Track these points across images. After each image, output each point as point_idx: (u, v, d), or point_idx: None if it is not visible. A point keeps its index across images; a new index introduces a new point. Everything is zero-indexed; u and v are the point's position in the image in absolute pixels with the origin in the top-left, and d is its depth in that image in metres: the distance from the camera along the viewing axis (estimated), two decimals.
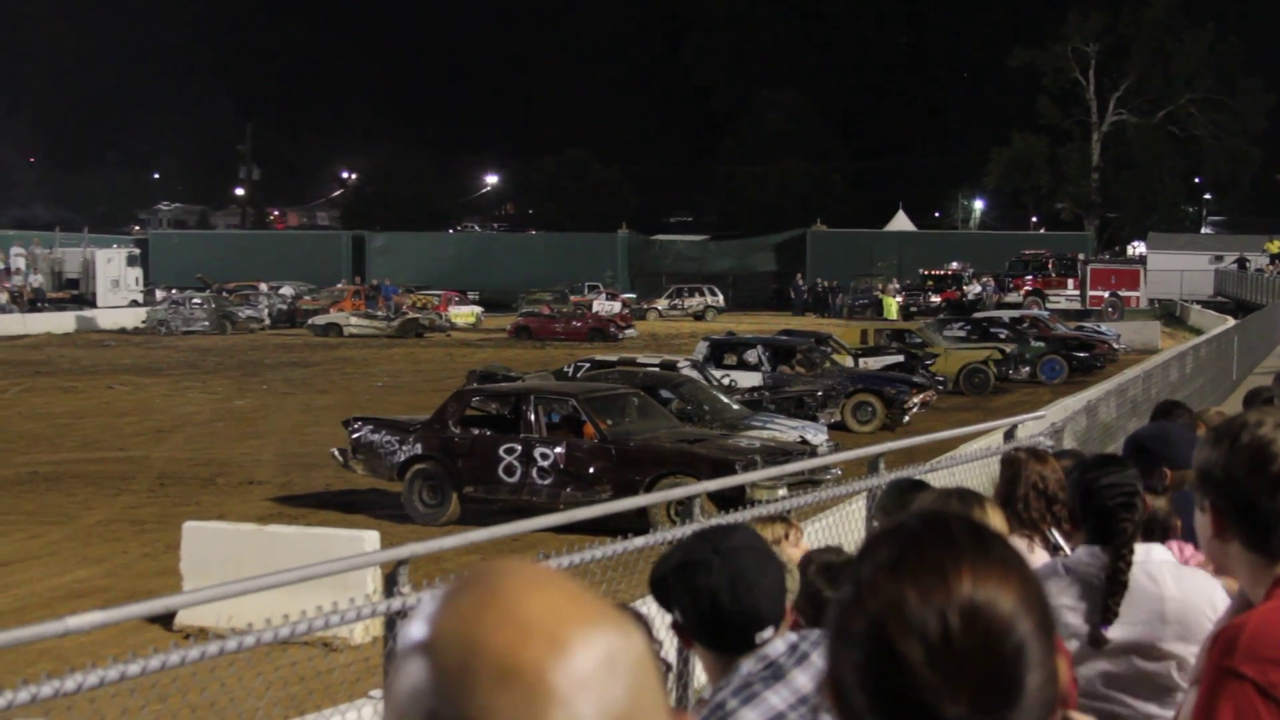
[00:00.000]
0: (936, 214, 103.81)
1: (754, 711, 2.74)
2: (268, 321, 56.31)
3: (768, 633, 2.80)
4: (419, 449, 17.40)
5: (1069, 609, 3.62)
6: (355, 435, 17.91)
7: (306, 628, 5.06)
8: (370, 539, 11.82)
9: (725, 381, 24.76)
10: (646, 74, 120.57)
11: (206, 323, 53.66)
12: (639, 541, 6.63)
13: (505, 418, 17.99)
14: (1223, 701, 2.27)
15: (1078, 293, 61.18)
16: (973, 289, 61.44)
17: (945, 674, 1.31)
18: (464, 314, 57.90)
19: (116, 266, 64.25)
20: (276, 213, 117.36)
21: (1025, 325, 37.36)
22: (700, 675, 3.09)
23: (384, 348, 46.44)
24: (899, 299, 61.80)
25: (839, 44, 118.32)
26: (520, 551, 13.58)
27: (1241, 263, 65.71)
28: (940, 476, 8.93)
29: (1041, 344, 35.52)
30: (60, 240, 67.31)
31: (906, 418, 25.69)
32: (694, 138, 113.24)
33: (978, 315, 41.54)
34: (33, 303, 59.50)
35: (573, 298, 61.51)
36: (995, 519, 3.89)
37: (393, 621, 5.46)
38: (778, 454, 16.57)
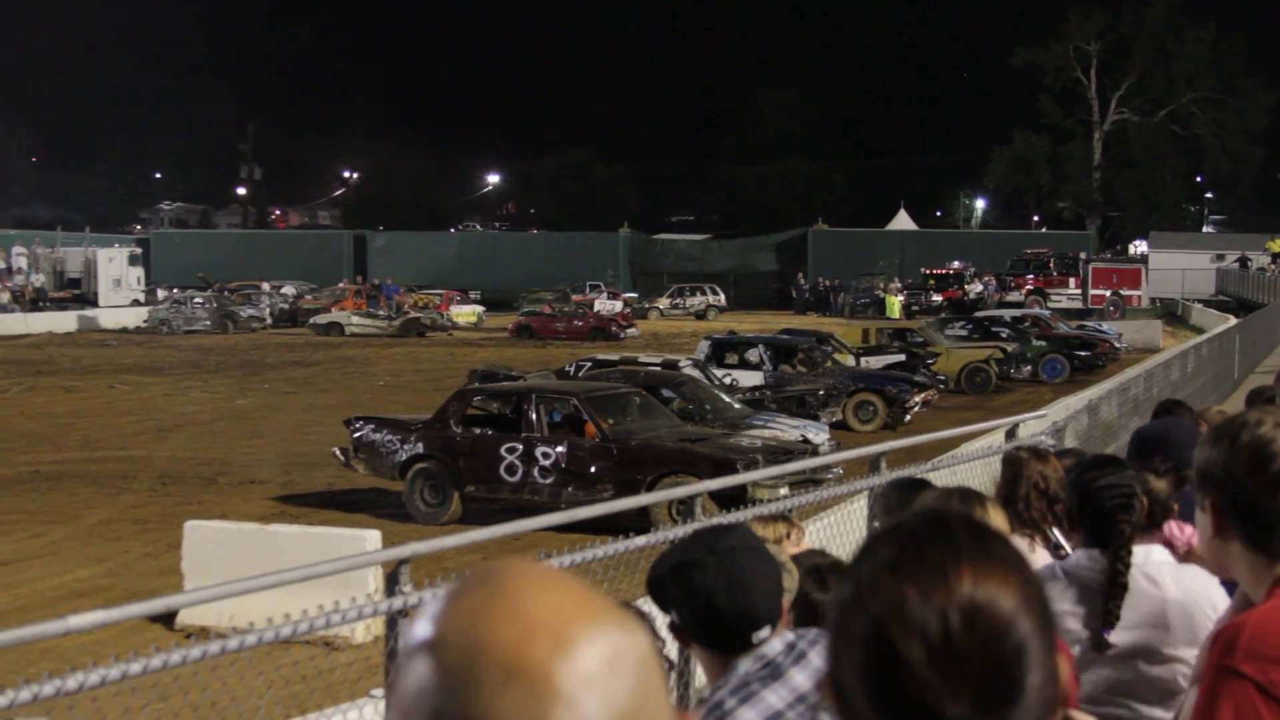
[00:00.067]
0: (938, 213, 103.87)
1: (752, 710, 2.74)
2: (269, 321, 56.31)
3: (764, 632, 2.80)
4: (420, 448, 17.40)
5: (1068, 614, 3.60)
6: (357, 434, 17.91)
7: (308, 627, 5.06)
8: (372, 538, 11.82)
9: (727, 381, 24.76)
10: (648, 73, 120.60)
11: (208, 322, 53.66)
12: (640, 541, 6.64)
13: (507, 417, 18.00)
14: (1223, 700, 2.27)
15: (1079, 292, 61.13)
16: (974, 288, 61.41)
17: (946, 673, 1.31)
18: (465, 313, 57.90)
19: (118, 266, 64.26)
20: (278, 212, 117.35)
21: (1027, 324, 37.35)
22: (701, 674, 3.09)
23: (385, 347, 46.45)
24: (901, 298, 61.81)
25: (840, 43, 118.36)
26: (522, 551, 13.58)
27: (1243, 262, 65.69)
28: (942, 476, 8.92)
29: (1043, 343, 35.52)
30: (62, 240, 67.32)
31: (908, 417, 25.69)
32: (695, 137, 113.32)
33: (979, 314, 41.53)
34: (34, 302, 59.52)
35: (574, 297, 61.46)
36: (996, 518, 3.88)
37: (394, 621, 5.46)
38: (779, 453, 16.57)
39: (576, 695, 1.06)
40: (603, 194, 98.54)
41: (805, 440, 18.77)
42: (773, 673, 2.78)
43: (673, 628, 2.88)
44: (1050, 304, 57.26)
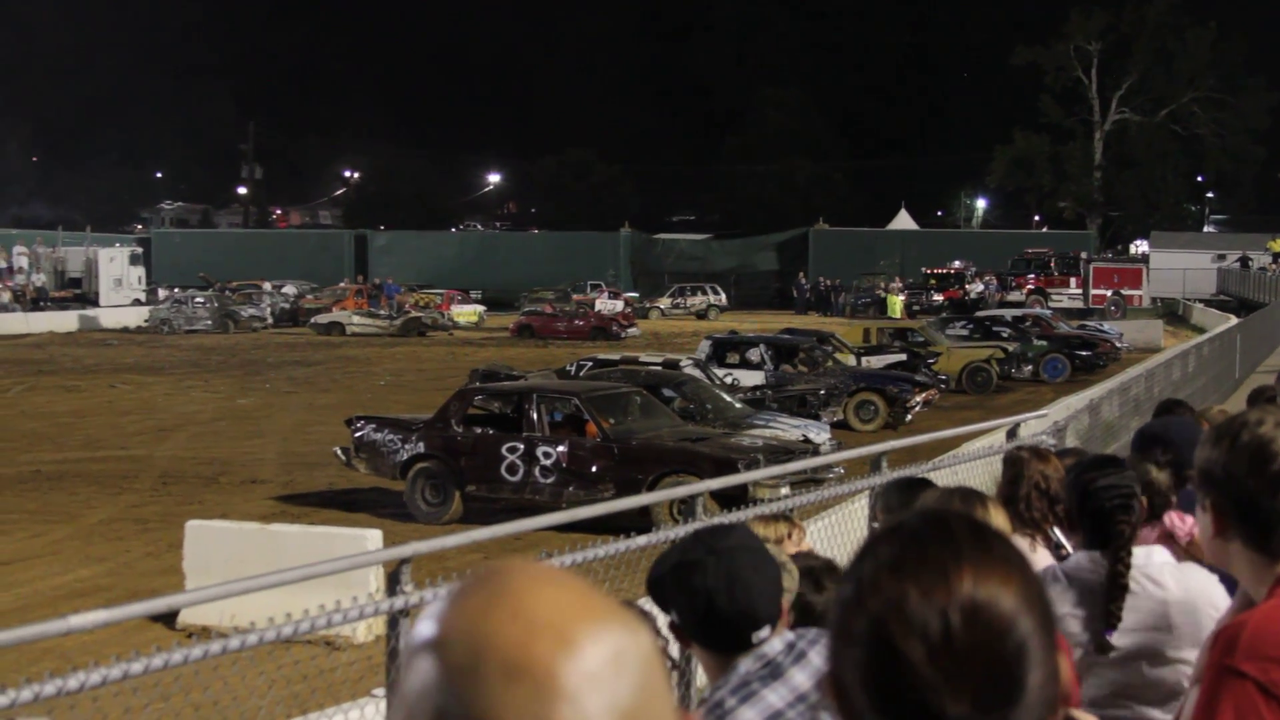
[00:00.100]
0: (939, 213, 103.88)
1: (752, 710, 2.74)
2: (270, 320, 56.30)
3: (764, 632, 2.80)
4: (422, 448, 17.40)
5: (1069, 616, 3.59)
6: (358, 434, 17.92)
7: (309, 626, 5.06)
8: (373, 538, 11.83)
9: (728, 380, 24.76)
10: (649, 73, 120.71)
11: (209, 322, 53.65)
12: (641, 540, 6.64)
13: (508, 416, 18.00)
14: (1224, 700, 2.27)
15: (1080, 291, 61.11)
16: (975, 288, 61.39)
17: (946, 673, 1.31)
18: (466, 313, 57.89)
19: (119, 265, 64.27)
20: (279, 212, 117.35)
21: (1028, 324, 37.34)
22: (702, 674, 3.09)
23: (386, 347, 46.45)
24: (902, 297, 61.82)
25: (841, 43, 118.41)
26: (523, 550, 13.58)
27: (1244, 261, 65.72)
28: (943, 475, 8.92)
29: (1044, 343, 35.51)
30: (63, 239, 67.34)
31: (909, 416, 25.69)
32: (696, 136, 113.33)
33: (980, 314, 41.54)
34: (35, 302, 59.53)
35: (575, 296, 61.45)
36: (998, 518, 3.88)
37: (395, 620, 5.46)
38: (780, 453, 16.57)
39: (580, 693, 1.07)
40: (603, 193, 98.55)
41: (806, 440, 18.77)
42: (773, 672, 2.78)
43: (673, 627, 2.88)
44: (1051, 304, 57.24)
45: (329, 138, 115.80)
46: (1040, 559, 4.40)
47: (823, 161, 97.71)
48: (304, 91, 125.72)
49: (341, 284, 64.57)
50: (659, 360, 24.65)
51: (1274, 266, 60.80)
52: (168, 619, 11.40)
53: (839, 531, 9.46)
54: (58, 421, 26.59)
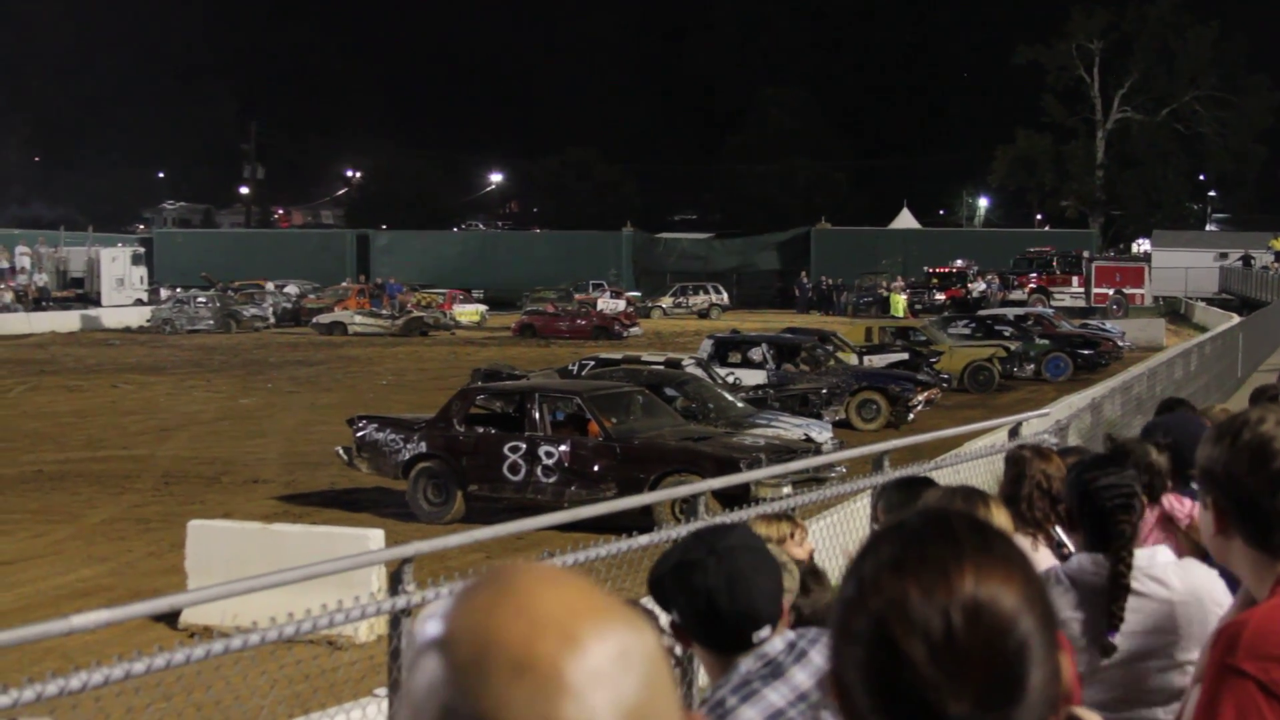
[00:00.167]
0: (941, 212, 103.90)
1: (754, 709, 2.74)
2: (272, 320, 56.31)
3: (765, 632, 2.80)
4: (424, 447, 17.40)
5: (1072, 619, 3.57)
6: (360, 434, 17.92)
7: (311, 626, 5.06)
8: (375, 537, 11.83)
9: (730, 379, 24.76)
10: (650, 72, 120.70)
11: (211, 321, 53.67)
12: (644, 539, 6.64)
13: (510, 416, 18.00)
14: (1225, 699, 2.27)
15: (1082, 290, 61.08)
16: (977, 286, 61.37)
17: (948, 672, 1.31)
18: (468, 312, 57.89)
19: (121, 265, 64.31)
20: (281, 211, 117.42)
21: (1030, 323, 37.34)
22: (704, 673, 3.09)
23: (388, 346, 46.46)
24: (905, 296, 61.84)
25: (843, 42, 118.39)
26: (525, 550, 13.59)
27: (1246, 260, 65.69)
28: (945, 474, 8.92)
29: (1046, 341, 35.51)
30: (65, 239, 67.36)
31: (911, 415, 25.69)
32: (698, 136, 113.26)
33: (982, 313, 41.54)
34: (38, 301, 59.55)
35: (577, 296, 61.47)
36: (1000, 517, 3.87)
37: (397, 620, 5.46)
38: (782, 452, 16.57)
39: (585, 690, 1.07)
40: (605, 193, 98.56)
41: (808, 439, 18.76)
42: (774, 671, 2.78)
43: (674, 627, 2.88)
44: (1053, 302, 57.20)
45: (331, 137, 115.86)
46: (1042, 558, 4.39)
47: (824, 161, 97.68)
48: (306, 91, 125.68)
49: (343, 284, 64.60)
50: (661, 359, 24.67)
51: (1276, 265, 60.77)
52: (170, 619, 11.41)
53: (841, 530, 9.46)
54: (60, 421, 26.60)
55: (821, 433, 19.82)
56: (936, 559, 1.36)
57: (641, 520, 11.26)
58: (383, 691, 6.66)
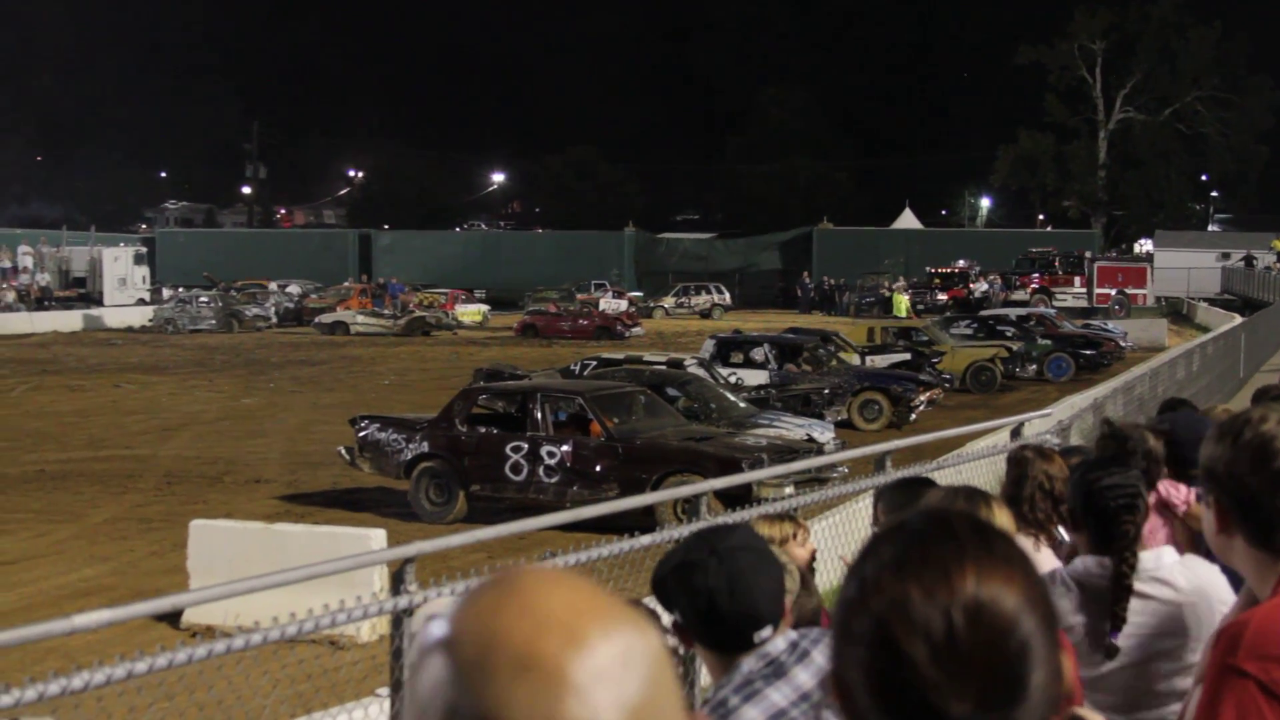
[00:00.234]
0: (943, 212, 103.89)
1: (756, 709, 2.75)
2: (274, 320, 56.32)
3: (766, 632, 2.80)
4: (426, 447, 17.40)
5: (1076, 624, 3.56)
6: (362, 433, 17.92)
7: (313, 626, 5.06)
8: (377, 537, 11.83)
9: (732, 380, 24.76)
10: (652, 72, 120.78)
11: (213, 321, 53.69)
12: (645, 539, 6.63)
13: (512, 416, 18.00)
14: (1226, 699, 2.27)
15: (1084, 290, 61.06)
16: (979, 287, 61.37)
17: (949, 672, 1.31)
18: (470, 312, 57.88)
19: (123, 265, 64.32)
20: (283, 211, 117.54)
21: (1032, 323, 37.33)
22: (707, 673, 3.10)
23: (390, 346, 46.47)
24: (907, 296, 61.83)
25: (845, 42, 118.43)
26: (527, 549, 13.59)
27: (1248, 260, 65.68)
28: (947, 475, 8.92)
29: (1048, 342, 35.50)
30: (67, 239, 67.37)
31: (913, 416, 25.68)
32: (700, 136, 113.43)
33: (984, 313, 41.53)
34: (40, 301, 59.57)
35: (579, 296, 61.47)
36: (1002, 517, 3.86)
37: (399, 620, 5.46)
38: (784, 452, 16.57)
39: (588, 688, 1.07)
40: (607, 193, 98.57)
41: (810, 439, 18.76)
42: (776, 671, 2.78)
43: (675, 627, 2.89)
44: (1055, 303, 57.18)
45: (333, 137, 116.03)
46: (1044, 559, 4.39)
47: (827, 161, 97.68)
48: (308, 91, 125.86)
49: (346, 283, 64.61)
50: (663, 359, 24.66)
51: (1278, 265, 60.75)
52: (172, 618, 11.42)
53: (843, 531, 9.46)
54: (62, 421, 26.61)
55: (824, 433, 19.82)
56: (938, 559, 1.36)
57: (644, 520, 11.25)
58: (385, 691, 6.66)
